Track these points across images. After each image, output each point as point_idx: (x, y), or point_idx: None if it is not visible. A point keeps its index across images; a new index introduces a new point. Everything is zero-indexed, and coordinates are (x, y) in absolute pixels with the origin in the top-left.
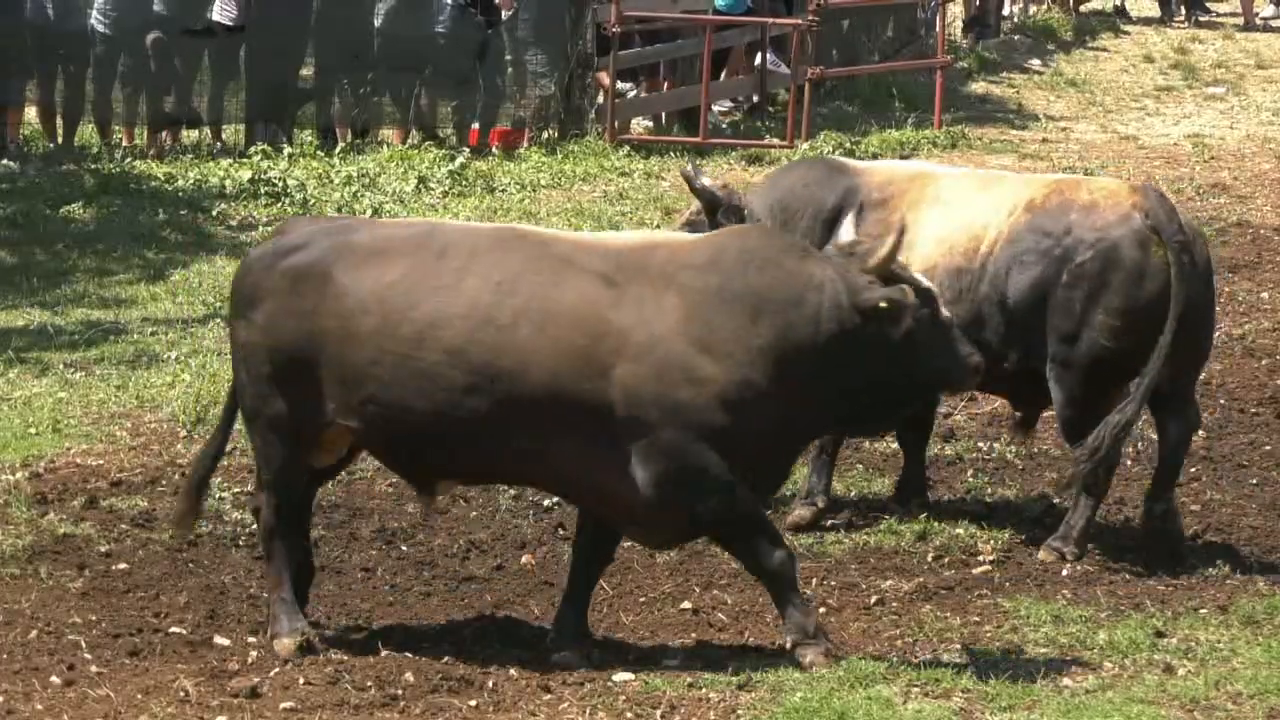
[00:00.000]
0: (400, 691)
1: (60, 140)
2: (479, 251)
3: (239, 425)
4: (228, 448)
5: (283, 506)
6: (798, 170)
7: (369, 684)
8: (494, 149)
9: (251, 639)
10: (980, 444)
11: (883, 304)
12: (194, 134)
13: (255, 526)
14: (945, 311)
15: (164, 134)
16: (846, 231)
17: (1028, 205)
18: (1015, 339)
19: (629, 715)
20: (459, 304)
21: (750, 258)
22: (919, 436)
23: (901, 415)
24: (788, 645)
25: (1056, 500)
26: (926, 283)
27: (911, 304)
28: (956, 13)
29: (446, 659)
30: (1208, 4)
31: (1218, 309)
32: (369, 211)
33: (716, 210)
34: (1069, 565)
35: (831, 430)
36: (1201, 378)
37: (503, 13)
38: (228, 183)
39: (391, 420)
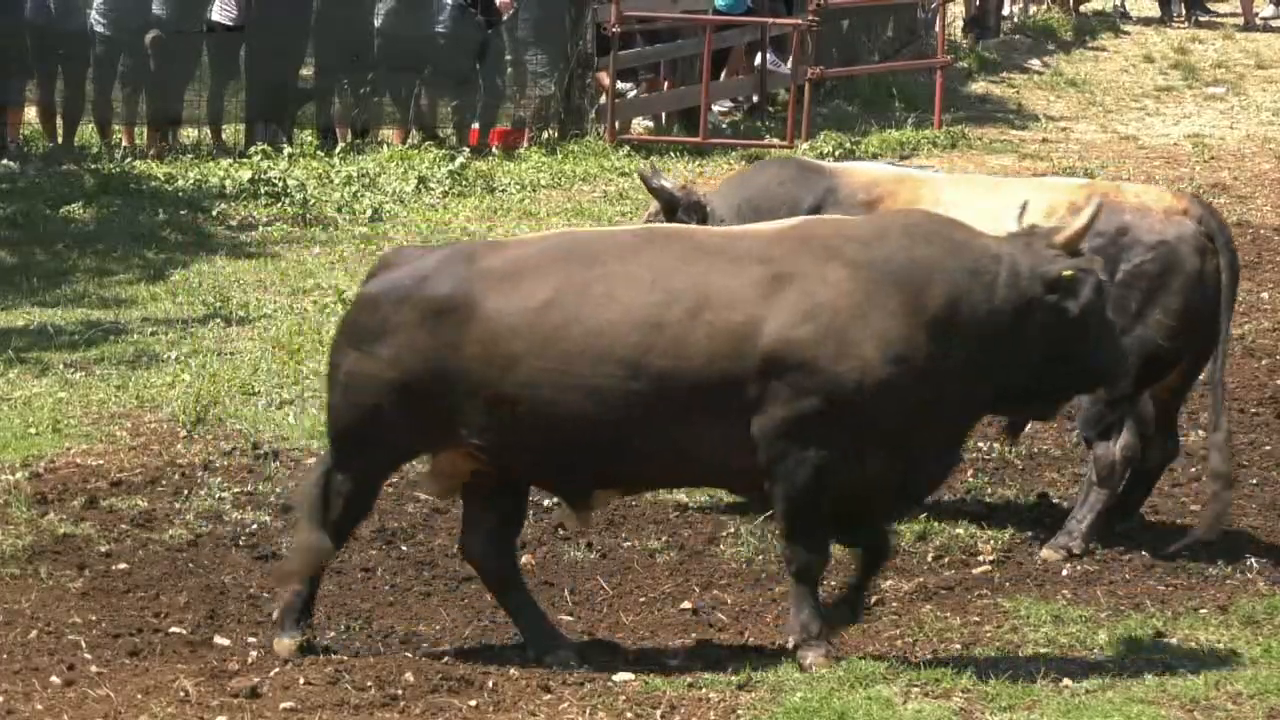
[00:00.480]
0: (400, 691)
1: (60, 140)
2: (627, 255)
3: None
4: (229, 448)
5: (348, 517)
6: (769, 170)
7: (369, 684)
8: (494, 149)
9: (251, 639)
10: (980, 444)
11: (1068, 272)
12: (194, 134)
13: (255, 527)
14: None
15: (158, 133)
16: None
17: (1070, 208)
18: None
19: (629, 715)
20: (617, 311)
21: (917, 231)
22: None
23: (1056, 407)
24: (789, 644)
25: (1056, 500)
26: (1103, 273)
27: (1097, 273)
28: (956, 13)
29: (446, 659)
30: (1208, 4)
31: None
32: (369, 211)
33: (675, 210)
34: (1069, 565)
35: (989, 413)
36: (1201, 377)
37: (503, 13)
38: (228, 183)
39: (550, 437)
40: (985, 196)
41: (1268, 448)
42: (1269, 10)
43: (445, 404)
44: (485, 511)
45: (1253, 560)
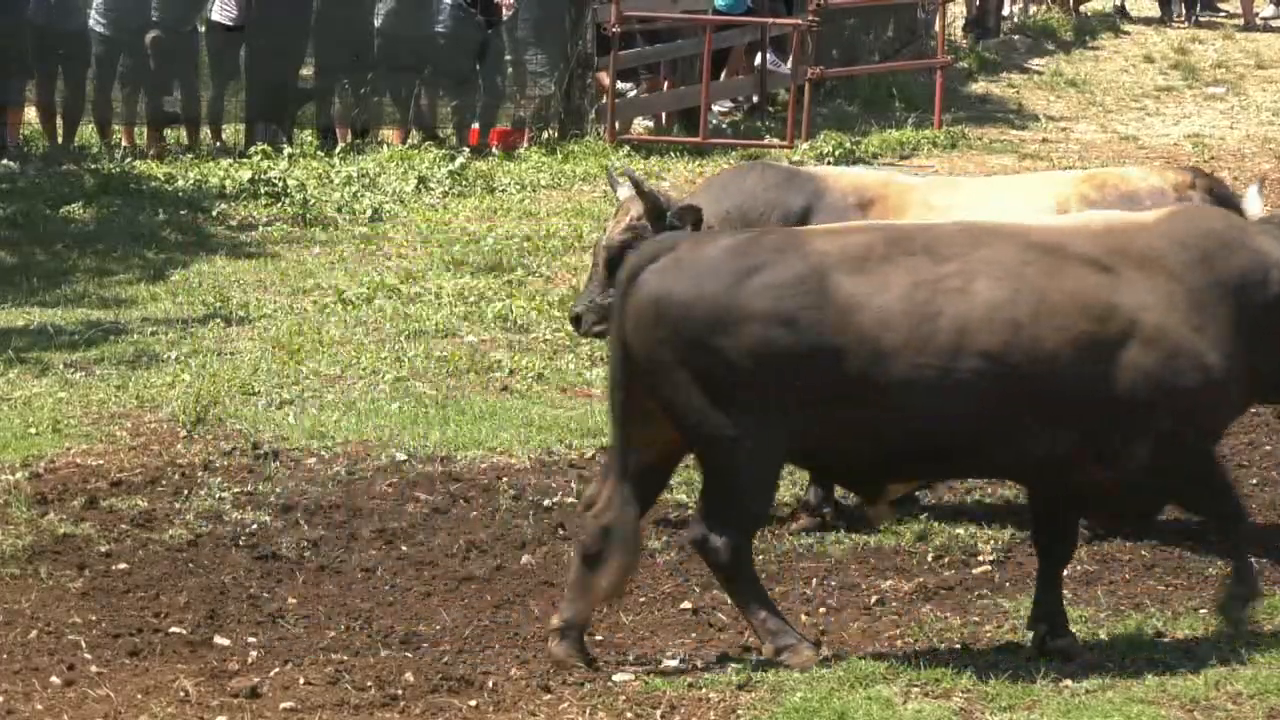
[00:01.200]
0: (400, 691)
1: (60, 140)
2: (967, 248)
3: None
4: (229, 448)
5: (748, 542)
6: (752, 174)
7: (369, 684)
8: (494, 149)
9: (251, 639)
10: None
11: None
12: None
13: (255, 527)
14: None
15: (157, 133)
16: (1255, 203)
17: (1084, 201)
18: None
19: (629, 715)
20: (976, 306)
21: (1219, 240)
22: None
23: None
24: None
25: None
26: None
27: None
28: (956, 13)
29: (446, 659)
30: (1216, 3)
31: None
32: (369, 211)
33: (663, 216)
34: (1069, 565)
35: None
36: None
37: (503, 12)
38: (228, 183)
39: (883, 433)
40: (977, 199)
41: (1268, 448)
42: (1269, 10)
43: (794, 396)
44: (636, 489)
45: (1253, 560)
